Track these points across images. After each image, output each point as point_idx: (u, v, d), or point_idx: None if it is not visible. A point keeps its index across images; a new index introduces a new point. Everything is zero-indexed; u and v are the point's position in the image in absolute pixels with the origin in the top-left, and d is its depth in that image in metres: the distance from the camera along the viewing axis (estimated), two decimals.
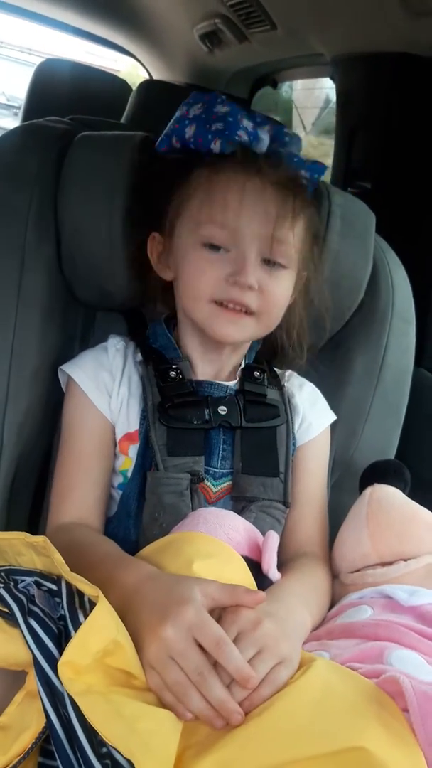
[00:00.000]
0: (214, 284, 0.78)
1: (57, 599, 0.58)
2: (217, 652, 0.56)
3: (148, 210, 0.87)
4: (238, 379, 0.90)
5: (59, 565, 0.57)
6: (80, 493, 0.82)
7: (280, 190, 0.79)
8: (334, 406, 0.98)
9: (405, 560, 0.80)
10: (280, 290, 0.82)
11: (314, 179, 0.86)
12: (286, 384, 0.94)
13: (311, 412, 0.94)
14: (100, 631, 0.53)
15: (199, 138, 0.80)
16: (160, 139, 0.85)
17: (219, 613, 0.61)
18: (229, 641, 0.57)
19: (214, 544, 0.69)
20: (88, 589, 0.55)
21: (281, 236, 0.79)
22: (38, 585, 0.59)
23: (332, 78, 1.58)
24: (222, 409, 0.85)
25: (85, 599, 0.57)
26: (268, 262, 0.80)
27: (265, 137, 0.81)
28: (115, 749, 0.49)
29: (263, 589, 0.69)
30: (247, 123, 0.80)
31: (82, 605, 0.57)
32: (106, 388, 0.85)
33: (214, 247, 0.78)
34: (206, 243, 0.78)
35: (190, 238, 0.80)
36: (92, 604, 0.56)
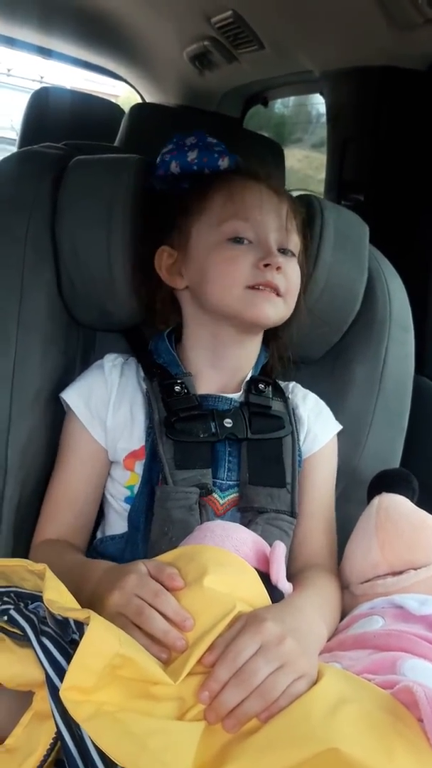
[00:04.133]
0: (246, 271, 0.84)
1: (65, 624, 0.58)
2: (155, 602, 0.62)
3: (153, 227, 0.90)
4: (242, 391, 0.90)
5: (47, 602, 0.57)
6: (64, 518, 0.86)
7: (285, 195, 0.91)
8: (336, 417, 0.98)
9: (415, 569, 0.80)
10: (295, 274, 0.89)
11: None
12: (290, 396, 0.95)
13: (316, 423, 0.94)
14: (97, 651, 0.53)
15: (204, 158, 0.91)
16: (157, 163, 0.92)
17: (243, 625, 0.61)
18: (166, 593, 0.63)
19: (226, 555, 0.69)
20: (79, 614, 0.56)
21: (291, 227, 0.88)
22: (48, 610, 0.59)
23: (321, 93, 1.60)
24: (228, 422, 0.86)
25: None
26: (282, 252, 0.87)
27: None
28: None
29: (275, 601, 0.69)
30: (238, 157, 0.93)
31: None
32: (99, 413, 0.87)
33: (238, 241, 0.85)
34: (231, 237, 0.85)
35: (213, 236, 0.86)
36: None
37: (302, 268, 0.91)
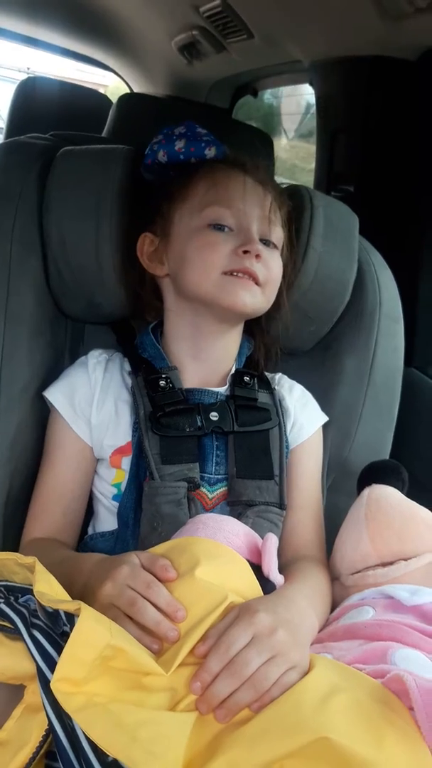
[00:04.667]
0: (225, 257, 0.83)
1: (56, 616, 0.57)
2: (147, 593, 0.62)
3: (138, 214, 0.89)
4: (228, 384, 0.90)
5: (37, 594, 0.57)
6: (52, 517, 0.86)
7: (270, 186, 0.90)
8: (326, 409, 0.98)
9: (405, 560, 0.80)
10: (276, 266, 0.88)
11: None
12: (276, 387, 0.95)
13: (302, 414, 0.94)
14: (88, 642, 0.53)
15: (191, 147, 0.90)
16: (146, 153, 0.91)
17: (235, 616, 0.61)
18: (158, 584, 0.63)
19: (218, 547, 0.69)
20: (69, 605, 0.56)
21: (274, 219, 0.87)
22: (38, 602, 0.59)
23: (311, 84, 1.59)
24: (214, 415, 0.86)
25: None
26: (264, 242, 0.86)
27: None
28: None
29: (267, 592, 0.69)
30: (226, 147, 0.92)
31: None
32: (83, 411, 0.87)
33: (219, 228, 0.84)
34: (212, 224, 0.85)
35: (194, 221, 0.86)
36: None
37: (285, 261, 0.90)
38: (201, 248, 0.84)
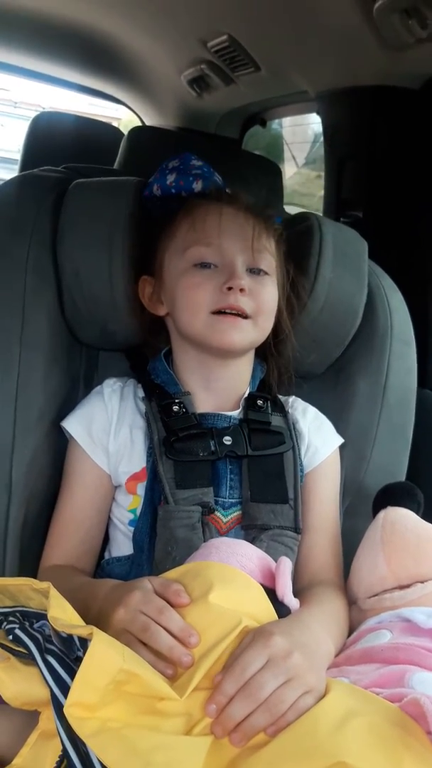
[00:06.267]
0: (211, 295, 0.84)
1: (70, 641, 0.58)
2: (160, 618, 0.62)
3: (144, 251, 0.91)
4: (241, 408, 0.90)
5: (51, 620, 0.57)
6: (70, 544, 0.87)
7: (251, 214, 0.89)
8: (340, 432, 0.98)
9: (422, 582, 0.79)
10: (267, 294, 0.87)
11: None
12: (289, 410, 0.95)
13: (316, 437, 0.94)
14: (101, 666, 0.53)
15: (180, 181, 0.91)
16: (146, 187, 0.93)
17: (251, 639, 0.61)
18: (171, 609, 0.63)
19: (232, 571, 0.69)
20: (82, 630, 0.56)
21: (260, 247, 0.87)
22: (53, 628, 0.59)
23: (318, 113, 1.62)
24: (227, 440, 0.86)
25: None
26: (253, 272, 0.86)
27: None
28: None
29: (281, 617, 0.69)
30: (217, 178, 0.93)
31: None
32: (100, 440, 0.88)
33: (205, 266, 0.85)
34: (196, 263, 0.85)
35: (180, 264, 0.86)
36: None
37: (283, 284, 0.90)
38: (188, 289, 0.85)
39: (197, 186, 0.91)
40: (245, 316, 0.84)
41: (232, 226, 0.86)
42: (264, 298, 0.86)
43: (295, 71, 1.52)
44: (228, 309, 0.83)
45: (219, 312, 0.83)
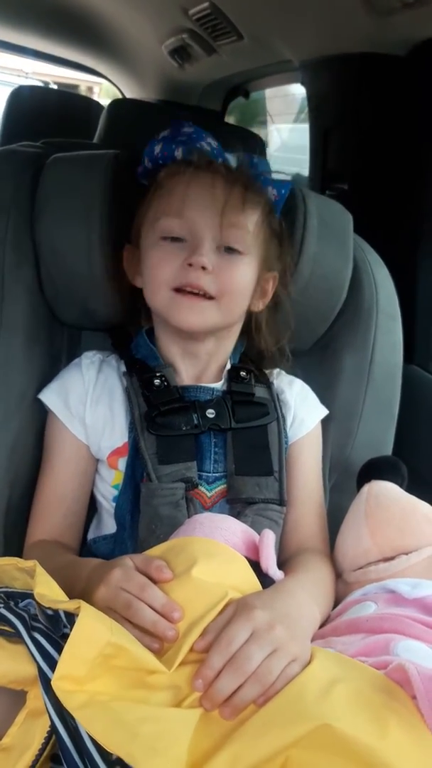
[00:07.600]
0: (172, 271, 0.80)
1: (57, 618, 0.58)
2: (142, 595, 0.62)
3: (125, 224, 0.89)
4: (224, 380, 0.90)
5: (37, 596, 0.57)
6: (53, 519, 0.86)
7: (228, 182, 0.83)
8: (326, 407, 0.98)
9: (406, 554, 0.80)
10: (237, 275, 0.83)
11: (282, 195, 0.90)
12: (274, 381, 0.94)
13: (302, 407, 0.94)
14: (89, 639, 0.53)
15: (165, 152, 0.86)
16: (138, 164, 0.90)
17: (233, 611, 0.61)
18: (153, 585, 0.63)
19: (215, 545, 0.69)
20: (69, 605, 0.56)
21: (233, 222, 0.81)
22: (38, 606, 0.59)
23: (302, 83, 1.59)
24: (210, 412, 0.85)
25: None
26: (226, 250, 0.82)
27: (231, 158, 0.87)
28: None
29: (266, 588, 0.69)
30: (212, 141, 0.87)
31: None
32: (77, 410, 0.87)
33: (174, 240, 0.81)
34: (164, 236, 0.82)
35: (151, 236, 0.83)
36: None
37: (278, 271, 0.88)
38: (153, 263, 0.82)
39: (178, 153, 0.86)
40: (209, 297, 0.81)
41: (203, 196, 0.81)
42: (231, 278, 0.81)
43: (278, 39, 1.49)
44: (188, 287, 0.80)
45: (179, 290, 0.80)
